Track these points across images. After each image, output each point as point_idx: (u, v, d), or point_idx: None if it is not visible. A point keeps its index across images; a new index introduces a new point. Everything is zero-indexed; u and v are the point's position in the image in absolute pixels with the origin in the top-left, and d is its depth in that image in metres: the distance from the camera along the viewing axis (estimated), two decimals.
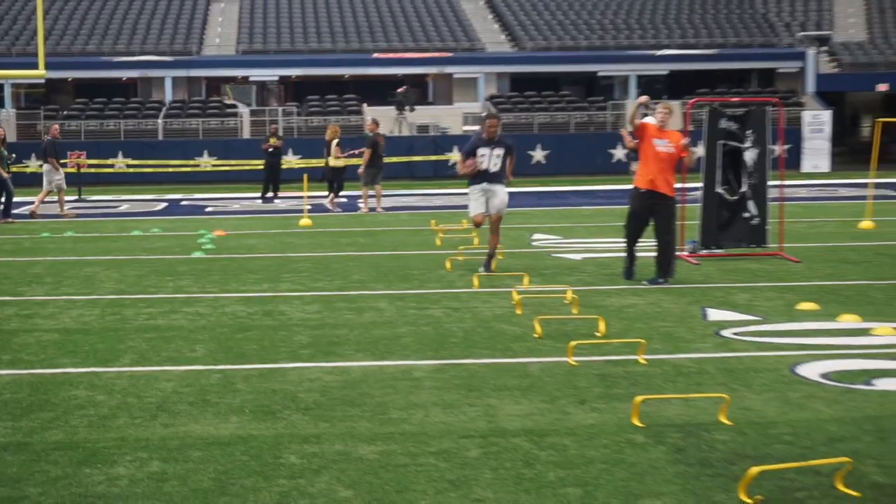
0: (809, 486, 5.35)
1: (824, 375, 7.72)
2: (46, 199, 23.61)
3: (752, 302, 10.91)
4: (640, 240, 12.24)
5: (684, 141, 11.96)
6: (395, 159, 31.65)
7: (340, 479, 5.52)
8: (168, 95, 39.15)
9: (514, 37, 42.42)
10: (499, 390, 7.34)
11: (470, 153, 12.88)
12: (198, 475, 5.60)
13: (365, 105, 37.91)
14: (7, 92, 38.81)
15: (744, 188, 14.14)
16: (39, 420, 6.70)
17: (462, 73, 40.30)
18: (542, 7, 44.63)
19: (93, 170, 31.99)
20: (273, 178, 26.85)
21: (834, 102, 39.43)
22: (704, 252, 14.17)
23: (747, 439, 6.17)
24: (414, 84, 39.88)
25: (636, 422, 6.47)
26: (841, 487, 5.30)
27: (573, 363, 8.09)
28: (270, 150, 26.78)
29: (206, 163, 34.45)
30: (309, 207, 21.15)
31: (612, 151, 35.27)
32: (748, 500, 5.14)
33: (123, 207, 25.91)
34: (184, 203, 27.00)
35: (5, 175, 21.48)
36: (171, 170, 33.71)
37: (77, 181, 27.79)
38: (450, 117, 37.94)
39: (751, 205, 14.19)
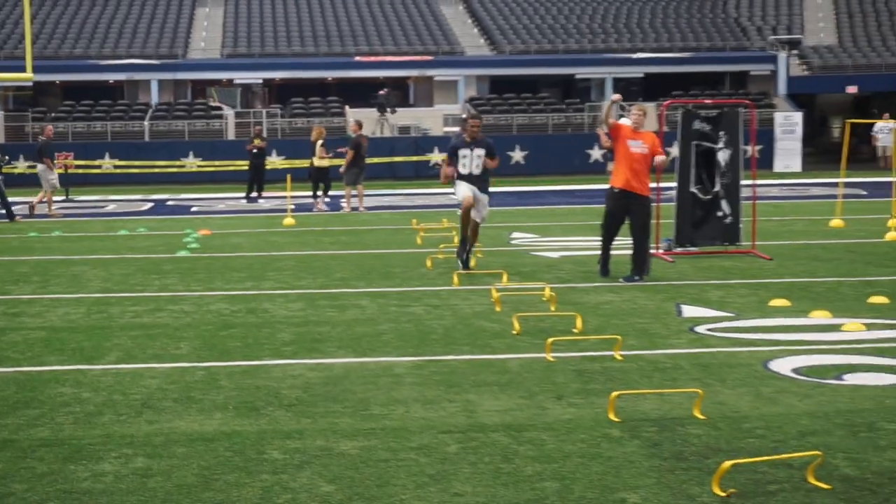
0: (781, 479, 5.43)
1: (796, 370, 7.83)
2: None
3: (725, 299, 11.04)
4: (616, 238, 12.40)
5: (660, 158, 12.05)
6: (377, 160, 31.68)
7: (322, 474, 5.59)
8: (154, 98, 39.09)
9: (493, 40, 42.50)
10: (478, 386, 7.43)
11: (452, 155, 13.00)
12: (182, 471, 5.67)
13: (347, 107, 37.90)
14: None
15: (717, 188, 14.31)
16: (26, 417, 6.76)
17: (442, 75, 40.39)
18: (521, 11, 44.72)
19: (80, 171, 32.12)
20: (257, 179, 26.90)
21: (805, 104, 39.67)
22: (679, 250, 14.32)
23: (721, 433, 6.26)
24: (395, 86, 39.89)
25: (612, 417, 6.56)
26: (812, 480, 5.37)
27: (551, 359, 8.19)
28: (255, 151, 26.86)
29: (192, 164, 34.44)
30: (292, 207, 21.20)
31: (590, 152, 35.41)
32: (721, 493, 5.20)
33: (110, 207, 25.89)
34: (170, 203, 26.99)
35: None
36: (157, 170, 33.70)
37: (65, 182, 27.76)
38: (430, 119, 38.02)
39: (724, 204, 14.36)
